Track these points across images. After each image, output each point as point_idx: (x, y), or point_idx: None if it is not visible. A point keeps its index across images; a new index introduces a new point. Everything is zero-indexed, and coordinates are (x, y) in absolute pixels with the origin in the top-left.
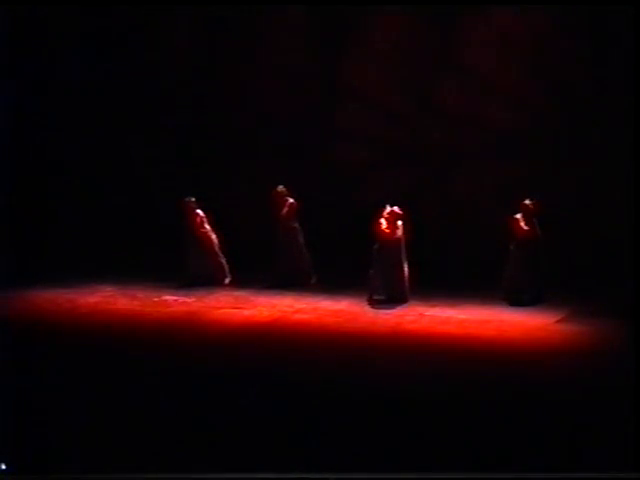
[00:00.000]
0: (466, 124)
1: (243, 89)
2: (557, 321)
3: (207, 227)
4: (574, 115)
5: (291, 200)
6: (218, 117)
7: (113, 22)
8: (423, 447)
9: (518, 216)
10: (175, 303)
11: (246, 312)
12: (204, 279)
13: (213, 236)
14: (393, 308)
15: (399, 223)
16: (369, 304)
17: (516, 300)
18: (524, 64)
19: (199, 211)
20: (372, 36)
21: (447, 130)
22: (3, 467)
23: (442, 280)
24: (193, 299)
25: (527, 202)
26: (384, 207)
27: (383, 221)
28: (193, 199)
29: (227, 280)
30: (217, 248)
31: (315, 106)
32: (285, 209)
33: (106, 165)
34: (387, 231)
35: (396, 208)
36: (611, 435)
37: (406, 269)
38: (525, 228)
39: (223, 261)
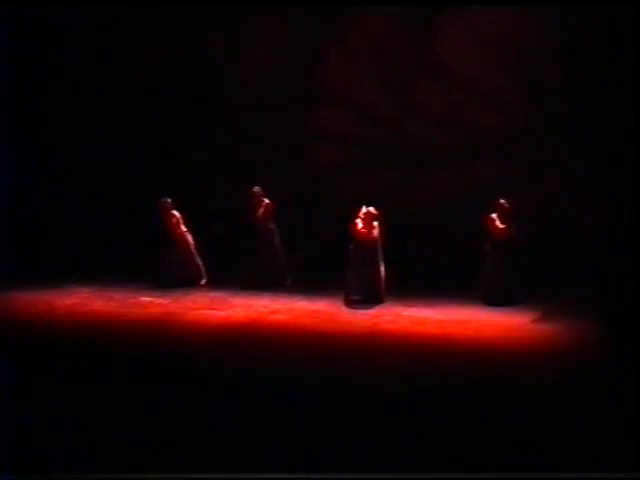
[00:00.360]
0: (445, 124)
1: (227, 89)
2: (534, 321)
3: (183, 228)
4: (560, 116)
5: (267, 201)
6: (194, 118)
7: (113, 22)
8: (399, 447)
9: (493, 215)
10: (151, 304)
11: (222, 313)
12: (180, 280)
13: (189, 237)
14: (370, 308)
15: (375, 223)
16: (346, 304)
17: (493, 300)
18: (507, 64)
19: (175, 212)
20: (350, 36)
21: (426, 130)
22: None
23: (419, 280)
24: (169, 300)
25: (502, 201)
26: (360, 207)
27: (359, 221)
28: (169, 200)
29: (203, 281)
30: (193, 249)
31: (293, 106)
32: (261, 210)
33: (94, 166)
34: (363, 231)
35: (372, 208)
36: (593, 435)
37: (382, 269)
38: (501, 227)
39: (199, 262)
